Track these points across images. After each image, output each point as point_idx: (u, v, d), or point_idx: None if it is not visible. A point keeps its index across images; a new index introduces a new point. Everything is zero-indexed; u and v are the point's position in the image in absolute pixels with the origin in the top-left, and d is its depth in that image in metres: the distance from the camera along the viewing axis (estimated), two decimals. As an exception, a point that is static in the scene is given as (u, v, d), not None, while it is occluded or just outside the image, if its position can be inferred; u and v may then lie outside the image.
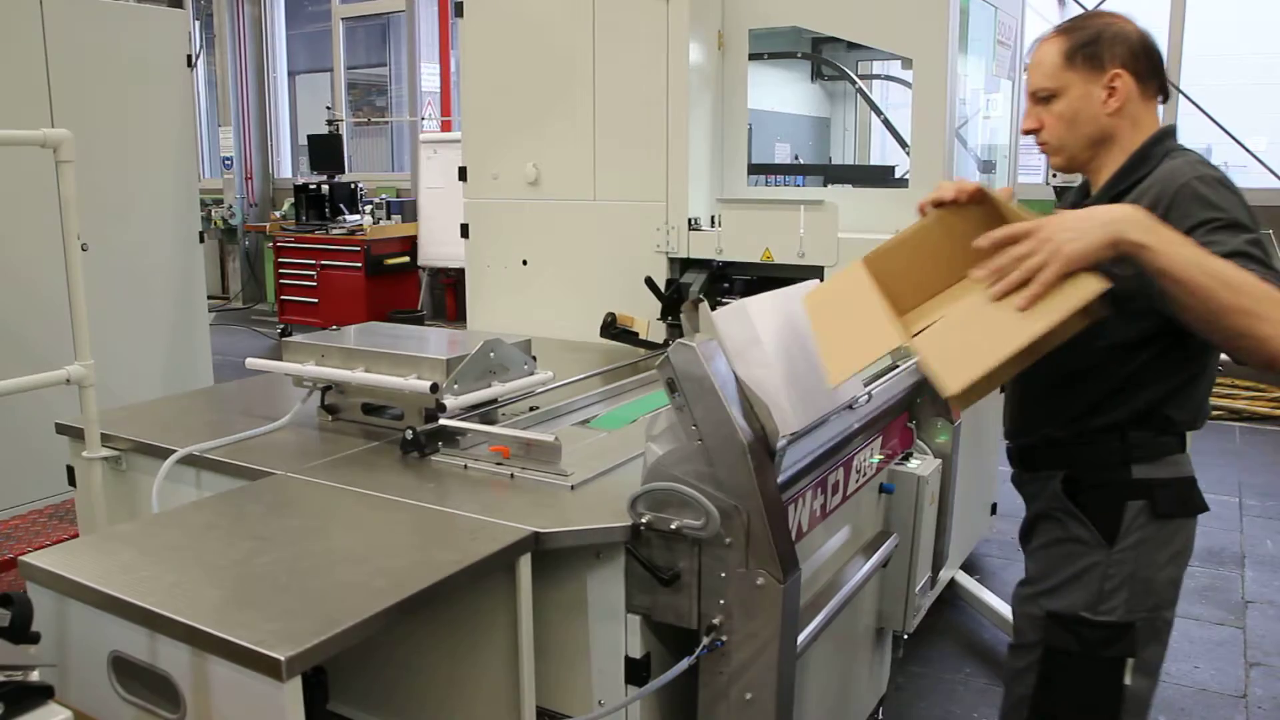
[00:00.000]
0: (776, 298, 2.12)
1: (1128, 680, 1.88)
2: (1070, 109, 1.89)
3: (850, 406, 2.32)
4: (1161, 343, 1.79)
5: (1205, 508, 1.92)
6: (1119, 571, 1.86)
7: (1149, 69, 1.89)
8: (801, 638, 2.03)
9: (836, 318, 1.85)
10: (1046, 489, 1.97)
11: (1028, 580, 2.00)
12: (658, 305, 3.43)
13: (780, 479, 1.90)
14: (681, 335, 3.32)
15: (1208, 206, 1.69)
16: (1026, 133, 1.98)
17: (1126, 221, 1.55)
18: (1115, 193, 1.86)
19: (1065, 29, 1.93)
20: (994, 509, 4.36)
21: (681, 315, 1.90)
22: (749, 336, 1.91)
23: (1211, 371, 1.88)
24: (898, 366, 2.74)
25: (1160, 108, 1.93)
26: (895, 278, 1.81)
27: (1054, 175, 6.75)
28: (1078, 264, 1.54)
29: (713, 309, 3.18)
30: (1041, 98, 1.92)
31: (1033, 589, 1.97)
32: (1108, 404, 1.86)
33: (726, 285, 3.47)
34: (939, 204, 1.82)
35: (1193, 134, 9.28)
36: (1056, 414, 1.94)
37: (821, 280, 2.35)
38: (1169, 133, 1.90)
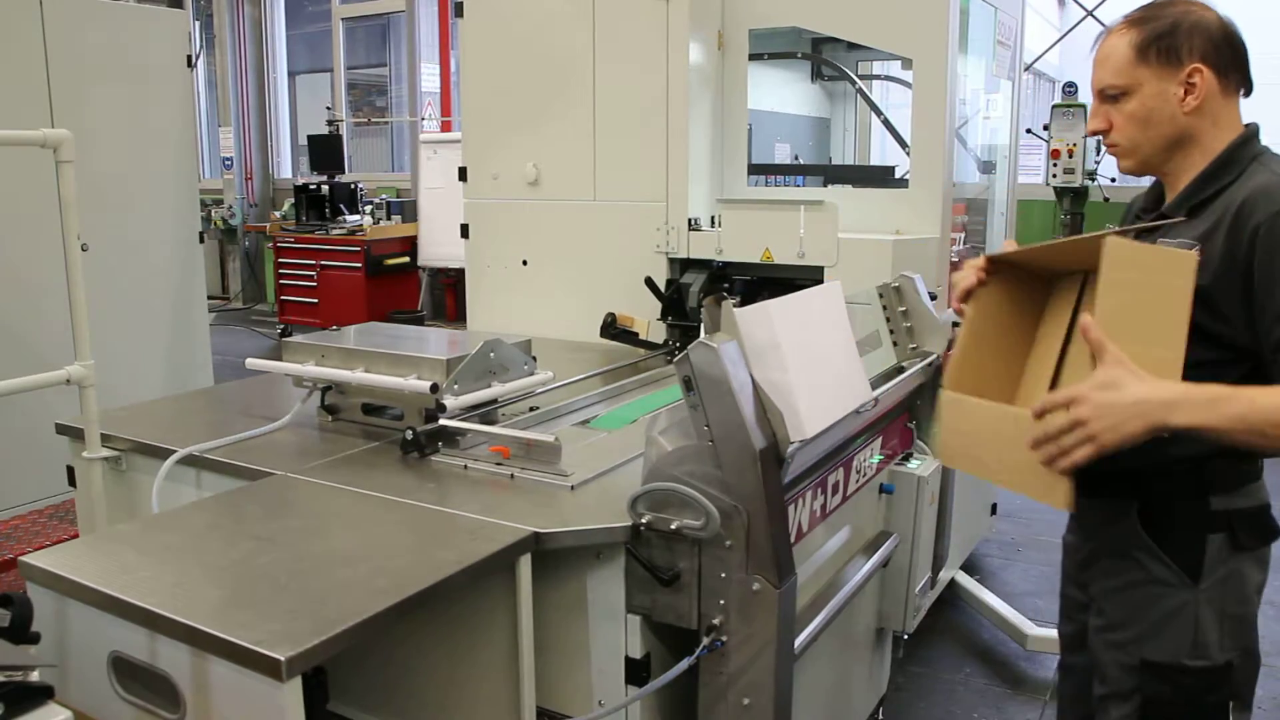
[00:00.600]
0: (799, 300, 2.11)
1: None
2: (1144, 108, 1.72)
3: (858, 412, 2.32)
4: (1249, 363, 1.66)
5: (1279, 534, 1.79)
6: (1209, 611, 1.72)
7: (1231, 61, 1.72)
8: (801, 638, 2.03)
9: (976, 446, 1.74)
10: (1116, 523, 1.80)
11: (1111, 626, 1.83)
12: (658, 305, 3.42)
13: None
14: (681, 335, 3.35)
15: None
16: (1094, 134, 1.82)
17: (1168, 406, 1.47)
18: (1196, 202, 1.72)
19: (1136, 19, 1.74)
20: (994, 509, 4.36)
21: (703, 311, 1.89)
22: (769, 340, 1.89)
23: None
24: (903, 370, 2.74)
25: (1242, 103, 1.77)
26: (983, 375, 1.77)
27: (1054, 175, 6.75)
28: (1110, 452, 1.48)
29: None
30: (1110, 96, 1.75)
31: (1121, 635, 1.80)
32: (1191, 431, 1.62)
33: (726, 285, 3.47)
34: (967, 294, 1.78)
35: (1193, 134, 9.27)
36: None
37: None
38: (1255, 134, 1.75)
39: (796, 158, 4.67)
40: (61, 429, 2.57)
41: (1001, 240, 3.69)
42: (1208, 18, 1.72)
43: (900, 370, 2.71)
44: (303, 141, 12.15)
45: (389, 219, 10.15)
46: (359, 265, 9.47)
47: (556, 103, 3.69)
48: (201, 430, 2.46)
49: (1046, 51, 8.80)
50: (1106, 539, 1.84)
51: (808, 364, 1.98)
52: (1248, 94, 1.77)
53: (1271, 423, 1.48)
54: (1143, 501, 1.77)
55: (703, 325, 1.91)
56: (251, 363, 2.69)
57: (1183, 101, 1.71)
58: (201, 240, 5.46)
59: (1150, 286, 1.54)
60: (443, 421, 2.31)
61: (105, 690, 1.65)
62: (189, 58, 5.32)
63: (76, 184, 2.51)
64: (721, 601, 1.80)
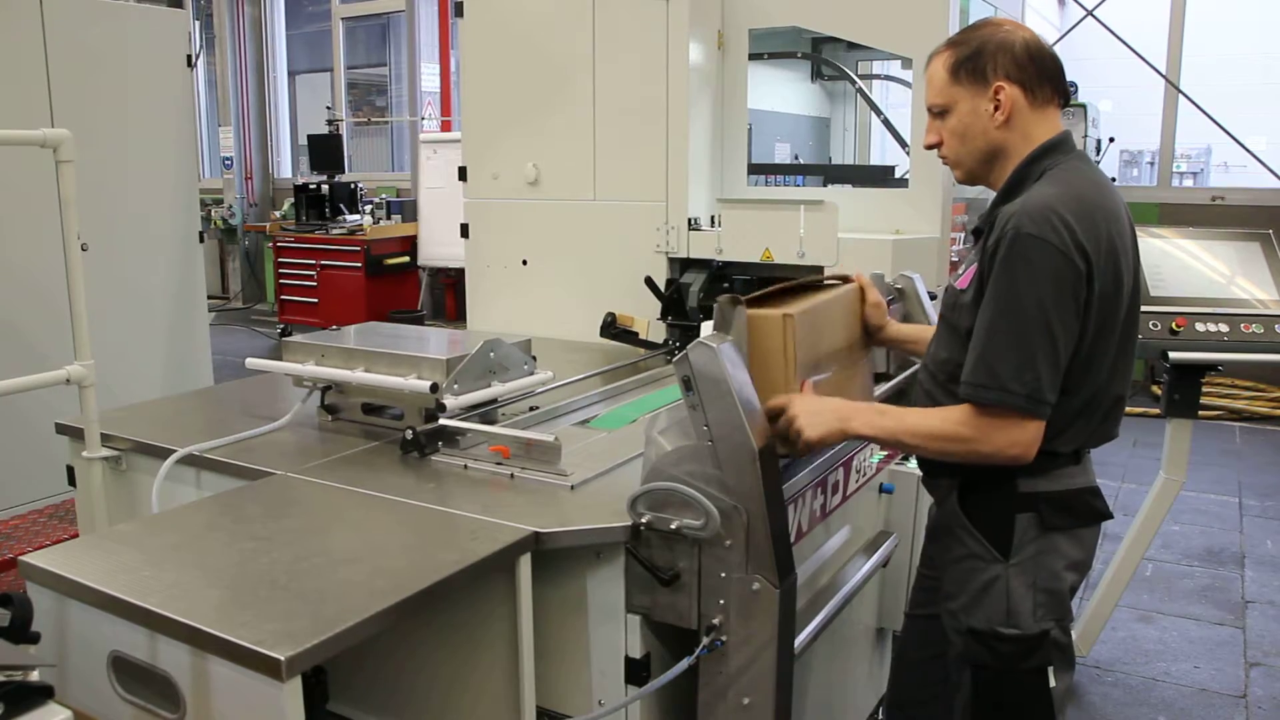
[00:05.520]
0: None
1: (1053, 683, 1.91)
2: (961, 124, 1.90)
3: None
4: None
5: (1104, 516, 1.93)
6: (1020, 584, 1.87)
7: (1038, 76, 1.86)
8: (801, 638, 2.04)
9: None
10: (944, 503, 1.99)
11: (947, 595, 2.00)
12: (658, 305, 3.42)
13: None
14: (681, 335, 3.35)
15: (1004, 279, 1.75)
16: (928, 147, 1.99)
17: (853, 421, 1.86)
18: (992, 213, 1.87)
19: (953, 42, 1.92)
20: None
21: (715, 307, 1.92)
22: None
23: (1096, 391, 1.85)
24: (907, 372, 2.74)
25: (1060, 113, 1.91)
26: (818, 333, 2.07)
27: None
28: (815, 447, 1.88)
29: (713, 311, 3.18)
30: (936, 113, 1.93)
31: (953, 604, 1.97)
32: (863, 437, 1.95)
33: (726, 285, 3.47)
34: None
35: (1193, 134, 9.29)
36: None
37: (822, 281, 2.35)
38: (1054, 146, 1.87)
39: (796, 158, 4.67)
40: (61, 429, 2.57)
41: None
42: (1013, 38, 1.87)
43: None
44: (303, 141, 12.16)
45: (389, 219, 10.16)
46: (359, 265, 9.47)
47: (556, 102, 3.69)
48: (201, 430, 2.46)
49: (1046, 51, 8.79)
50: (939, 516, 2.03)
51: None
52: (1065, 103, 1.93)
53: (899, 441, 1.90)
54: (961, 483, 1.94)
55: (715, 319, 1.94)
56: (251, 362, 2.68)
57: (993, 116, 1.87)
58: (201, 240, 5.46)
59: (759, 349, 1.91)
60: (443, 421, 2.31)
61: (105, 690, 1.65)
62: (189, 57, 5.32)
63: (77, 184, 2.51)
64: (721, 601, 1.80)
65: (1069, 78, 1.96)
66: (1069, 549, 1.90)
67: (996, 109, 1.86)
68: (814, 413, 1.85)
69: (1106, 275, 1.78)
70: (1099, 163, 7.17)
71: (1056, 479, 1.88)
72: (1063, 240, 1.72)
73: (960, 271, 1.98)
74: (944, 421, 1.81)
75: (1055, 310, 1.73)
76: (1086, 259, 1.74)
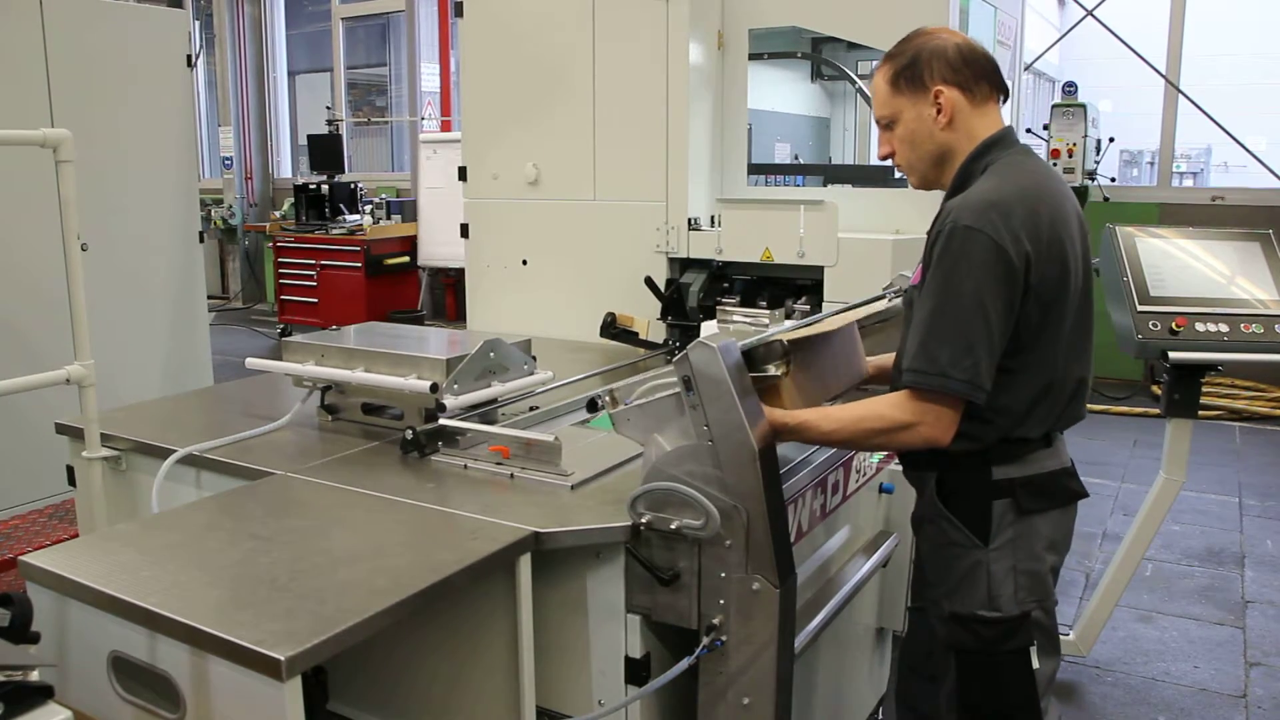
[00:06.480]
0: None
1: (1035, 665, 1.95)
2: (909, 131, 1.97)
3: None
4: None
5: (1078, 495, 1.99)
6: (1000, 568, 1.92)
7: (974, 76, 1.94)
8: (800, 638, 2.04)
9: None
10: (924, 493, 2.03)
11: (930, 583, 2.05)
12: (658, 305, 3.43)
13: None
14: (681, 335, 3.35)
15: (942, 270, 1.82)
16: (882, 159, 2.06)
17: (800, 430, 1.88)
18: (940, 213, 1.93)
19: (890, 55, 2.00)
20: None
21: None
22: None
23: (1054, 376, 1.89)
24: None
25: (1000, 107, 1.98)
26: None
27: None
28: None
29: (713, 310, 3.19)
30: (885, 125, 2.01)
31: (935, 592, 2.02)
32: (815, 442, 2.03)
33: (726, 285, 3.47)
34: None
35: (1193, 134, 9.30)
36: None
37: (822, 294, 2.37)
38: (995, 142, 1.94)
39: (796, 158, 4.67)
40: (61, 429, 2.57)
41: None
42: (945, 43, 1.95)
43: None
44: (303, 141, 12.16)
45: (389, 219, 10.15)
46: (359, 265, 9.47)
47: (556, 102, 3.69)
48: (201, 430, 2.46)
49: (1046, 51, 8.81)
50: (921, 506, 2.06)
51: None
52: (1006, 98, 2.01)
53: (828, 439, 1.92)
54: (939, 474, 1.98)
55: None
56: (251, 362, 2.68)
57: (936, 120, 1.94)
58: (201, 240, 5.46)
59: None
60: (442, 421, 2.31)
61: (105, 690, 1.65)
62: (189, 57, 5.32)
63: (76, 184, 2.51)
64: (721, 601, 1.80)
65: (1069, 78, 1.99)
66: (1047, 530, 1.95)
67: (939, 112, 1.93)
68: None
69: (1050, 263, 1.83)
70: (1099, 162, 7.18)
71: (1029, 464, 1.93)
72: (998, 231, 1.78)
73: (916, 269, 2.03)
74: (881, 409, 1.86)
75: (991, 299, 1.78)
76: (1025, 251, 1.79)
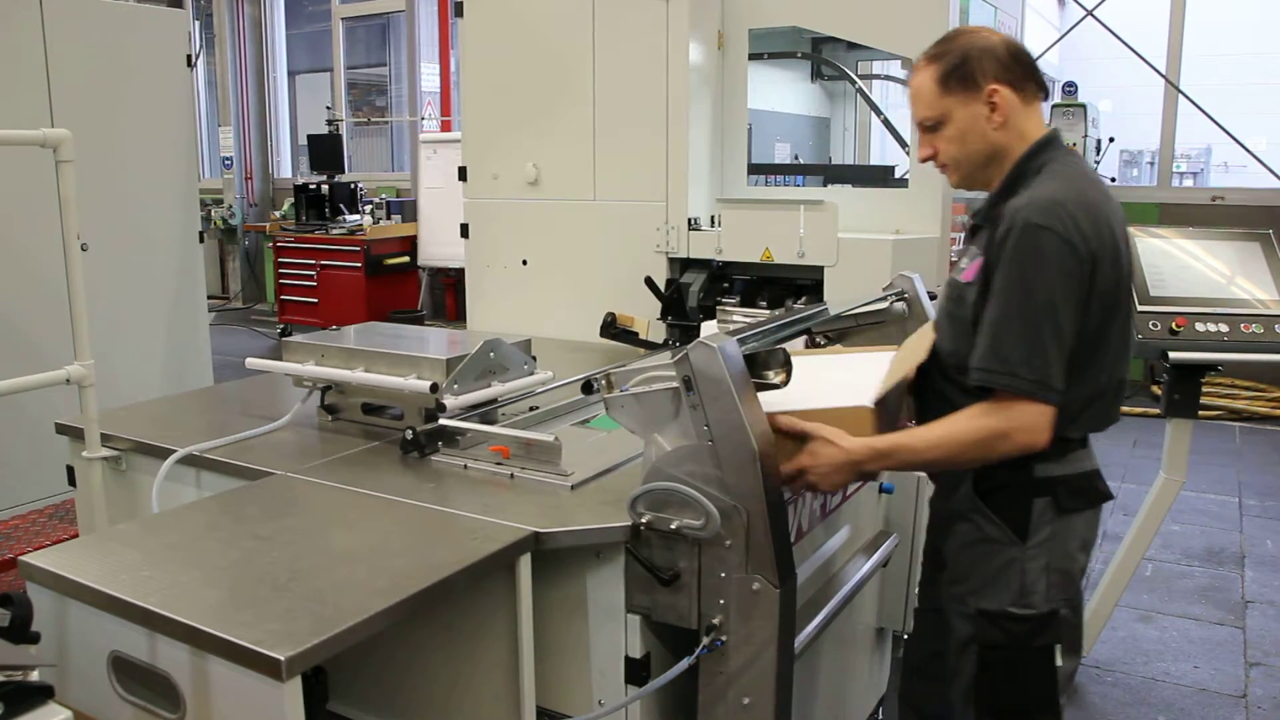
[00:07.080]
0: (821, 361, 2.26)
1: (1059, 662, 1.95)
2: (959, 131, 1.94)
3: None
4: None
5: (1108, 496, 1.99)
6: (1035, 566, 1.92)
7: (1023, 74, 1.93)
8: (800, 638, 2.04)
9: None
10: (958, 490, 2.01)
11: (954, 580, 2.04)
12: (658, 305, 3.43)
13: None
14: (681, 335, 3.35)
15: (1013, 269, 1.80)
16: (923, 160, 2.04)
17: (865, 463, 1.86)
18: (993, 210, 1.92)
19: (933, 55, 1.97)
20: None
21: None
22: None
23: (1099, 379, 1.89)
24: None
25: (1045, 106, 1.98)
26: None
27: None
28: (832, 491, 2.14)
29: (713, 310, 3.19)
30: (929, 126, 1.98)
31: (961, 588, 2.01)
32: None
33: (726, 285, 3.47)
34: None
35: (1193, 134, 9.29)
36: None
37: (822, 294, 2.38)
38: (1048, 142, 1.94)
39: (796, 158, 4.67)
40: (61, 429, 2.57)
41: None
42: (992, 41, 1.94)
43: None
44: (303, 141, 12.15)
45: (389, 219, 10.15)
46: (359, 265, 9.47)
47: (556, 102, 3.69)
48: (201, 430, 2.46)
49: (1046, 51, 8.80)
50: (951, 504, 2.03)
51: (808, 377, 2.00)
52: (1046, 97, 1.99)
53: (926, 463, 2.00)
54: (977, 470, 1.95)
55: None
56: (251, 362, 2.68)
57: (990, 119, 1.92)
58: (201, 240, 5.46)
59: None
60: (442, 421, 2.31)
61: (105, 690, 1.65)
62: (189, 57, 5.32)
63: (76, 184, 2.51)
64: (721, 601, 1.80)
65: (1069, 78, 1.99)
66: (1082, 530, 1.95)
67: (993, 111, 1.91)
68: (826, 475, 1.87)
69: (1109, 267, 1.83)
70: (1099, 162, 7.17)
71: (1069, 463, 1.92)
72: (1069, 232, 1.78)
73: (963, 266, 2.00)
74: (969, 422, 1.83)
75: (1063, 299, 1.78)
76: (1091, 251, 1.79)
